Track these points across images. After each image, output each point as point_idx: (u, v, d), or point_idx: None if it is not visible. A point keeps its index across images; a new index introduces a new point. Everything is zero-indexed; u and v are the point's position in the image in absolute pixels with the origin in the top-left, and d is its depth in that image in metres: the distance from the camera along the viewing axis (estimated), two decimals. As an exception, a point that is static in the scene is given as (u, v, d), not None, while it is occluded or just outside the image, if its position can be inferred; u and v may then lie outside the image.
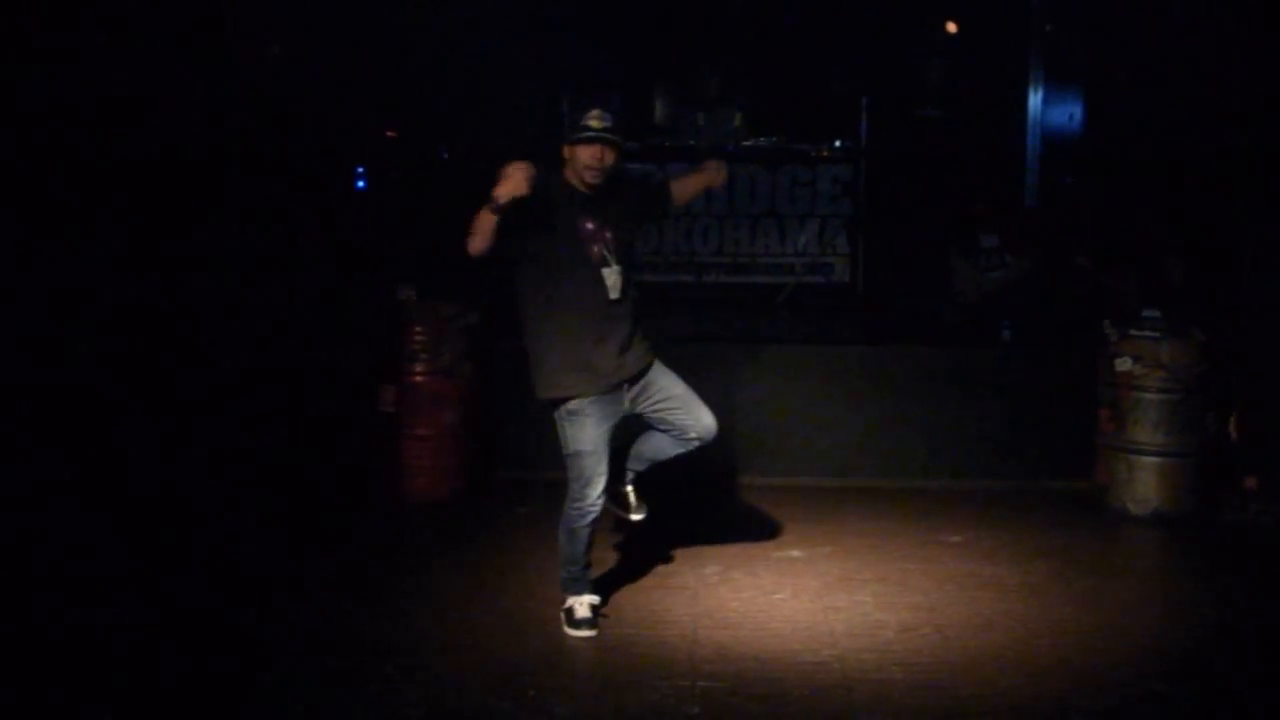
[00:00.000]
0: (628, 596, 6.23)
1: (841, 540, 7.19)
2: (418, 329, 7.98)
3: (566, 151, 5.53)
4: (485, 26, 10.46)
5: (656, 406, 5.70)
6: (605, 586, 6.27)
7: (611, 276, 5.54)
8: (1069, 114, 12.07)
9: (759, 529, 7.25)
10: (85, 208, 7.51)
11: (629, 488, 5.99)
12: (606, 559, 6.78)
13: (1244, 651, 5.72)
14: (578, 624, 5.69)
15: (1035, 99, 11.96)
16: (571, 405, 5.58)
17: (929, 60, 11.71)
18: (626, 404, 5.68)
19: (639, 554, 6.90)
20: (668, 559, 6.81)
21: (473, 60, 10.37)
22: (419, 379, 7.98)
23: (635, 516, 6.02)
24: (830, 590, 6.36)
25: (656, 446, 5.87)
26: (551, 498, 7.98)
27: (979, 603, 6.22)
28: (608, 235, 5.54)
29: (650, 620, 5.91)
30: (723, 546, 7.03)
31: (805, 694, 5.12)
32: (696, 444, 5.76)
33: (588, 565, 5.83)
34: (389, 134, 11.20)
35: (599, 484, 5.60)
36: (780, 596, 6.23)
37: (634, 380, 5.65)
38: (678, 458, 5.86)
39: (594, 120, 5.43)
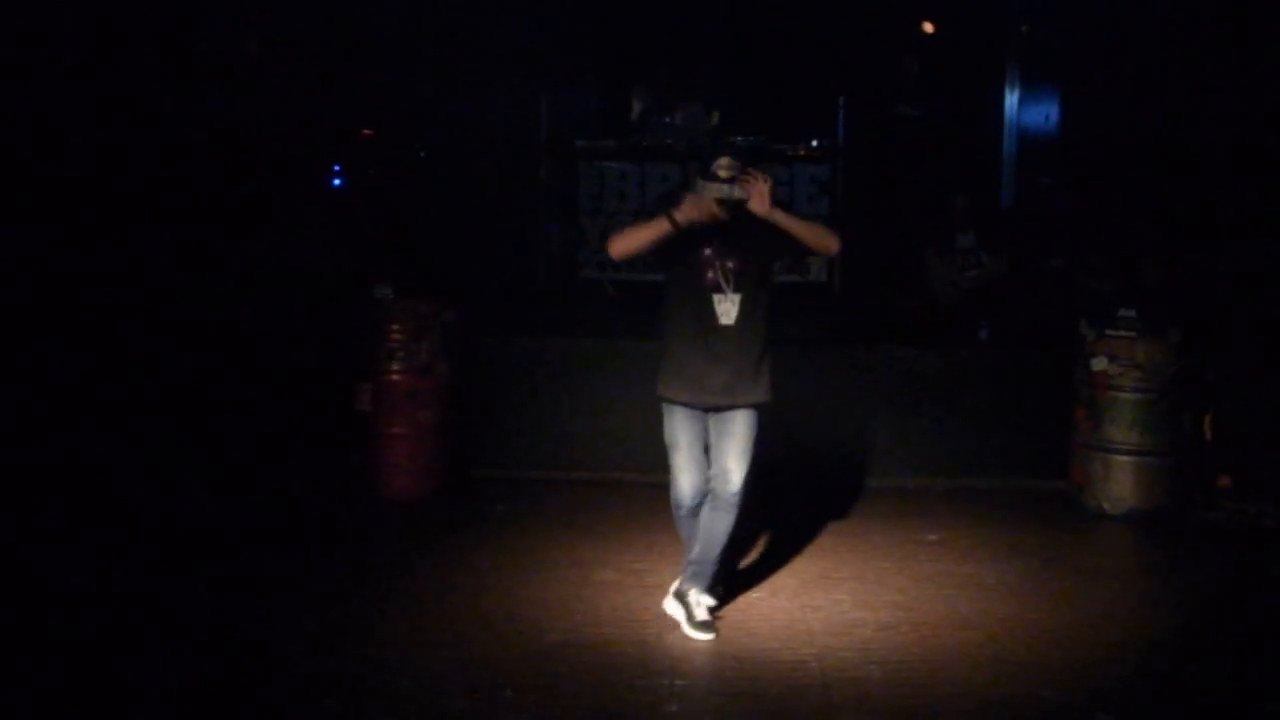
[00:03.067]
0: (604, 595, 6.23)
1: (819, 539, 7.20)
2: (395, 327, 7.95)
3: (700, 184, 5.51)
4: (462, 26, 10.44)
5: (713, 435, 5.72)
6: (587, 586, 6.28)
7: (724, 304, 5.58)
8: (1045, 114, 12.12)
9: (735, 527, 7.24)
10: (61, 207, 7.48)
11: (691, 593, 5.80)
12: (587, 560, 6.78)
13: (1217, 649, 5.75)
14: (696, 626, 5.68)
15: (1011, 99, 12.01)
16: (667, 405, 5.73)
17: (906, 60, 11.74)
18: (710, 421, 5.71)
19: (616, 553, 6.90)
20: (644, 558, 6.80)
21: (449, 59, 10.35)
22: (396, 377, 7.95)
23: (691, 633, 5.72)
24: (808, 589, 6.37)
25: (699, 525, 5.79)
26: (529, 496, 8.06)
27: (956, 601, 6.24)
28: (728, 264, 5.56)
29: (627, 619, 5.90)
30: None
31: (783, 692, 5.13)
32: (719, 499, 5.66)
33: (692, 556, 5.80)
34: (366, 132, 11.18)
35: (685, 481, 5.66)
36: (758, 595, 6.23)
37: (725, 408, 5.66)
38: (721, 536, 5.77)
39: (722, 171, 5.44)
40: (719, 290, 5.58)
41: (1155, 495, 7.82)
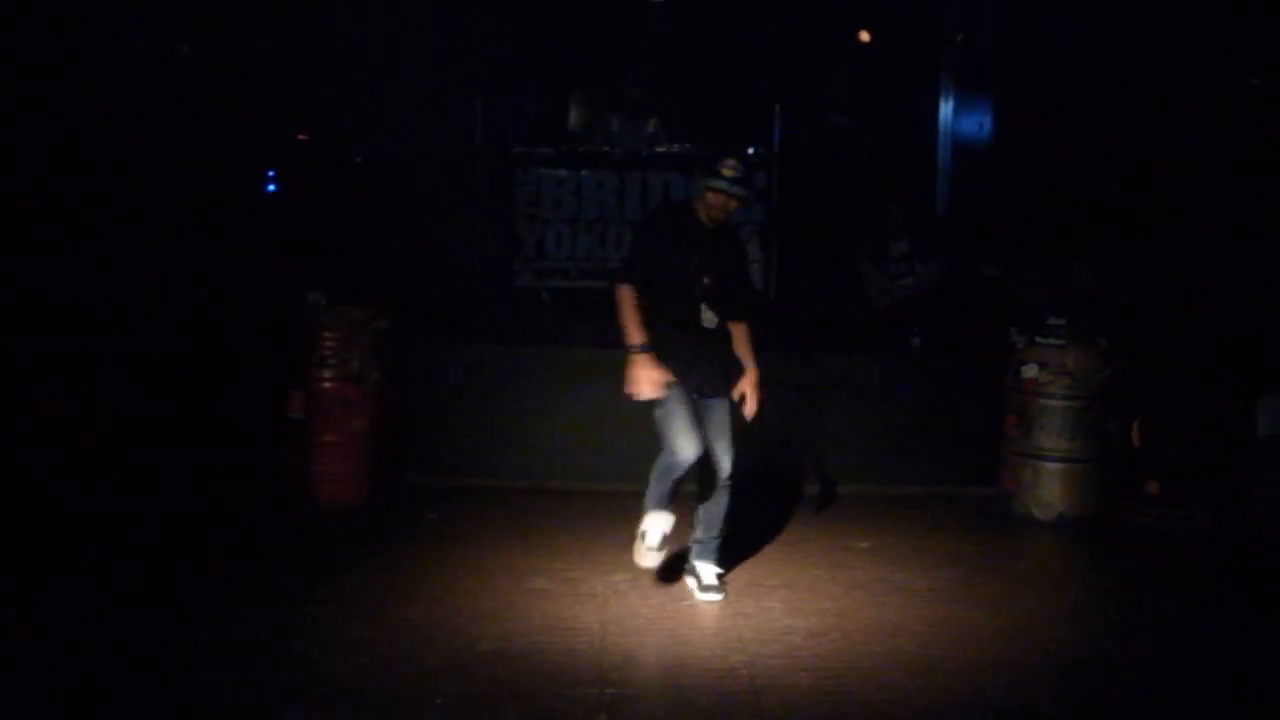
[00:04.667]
0: (536, 604, 6.20)
1: (750, 546, 7.21)
2: (327, 334, 7.88)
3: (702, 186, 6.13)
4: (399, 28, 10.39)
5: (704, 418, 6.10)
6: (519, 594, 6.27)
7: (707, 313, 6.12)
8: (979, 123, 12.23)
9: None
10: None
11: (699, 564, 6.43)
12: (520, 568, 6.76)
13: (1145, 652, 5.82)
14: (647, 548, 6.08)
15: (946, 108, 12.10)
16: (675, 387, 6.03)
17: (841, 69, 11.80)
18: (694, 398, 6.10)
19: (548, 561, 6.88)
20: (577, 566, 6.79)
21: (386, 62, 10.29)
22: (328, 384, 7.88)
23: (702, 595, 6.34)
24: (739, 596, 6.38)
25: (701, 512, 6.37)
26: (462, 504, 8.02)
27: (887, 608, 6.27)
28: (705, 280, 6.08)
29: (559, 628, 5.88)
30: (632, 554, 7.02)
31: (713, 700, 5.13)
32: (719, 484, 6.21)
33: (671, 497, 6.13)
34: (300, 136, 11.09)
35: (690, 440, 5.94)
36: (689, 603, 6.24)
37: (713, 396, 6.15)
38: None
39: (728, 170, 6.01)
40: (702, 300, 6.09)
41: (1084, 501, 7.91)
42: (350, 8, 10.21)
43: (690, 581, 6.40)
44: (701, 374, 6.08)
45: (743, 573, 6.76)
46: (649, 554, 6.08)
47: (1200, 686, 5.45)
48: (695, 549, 6.42)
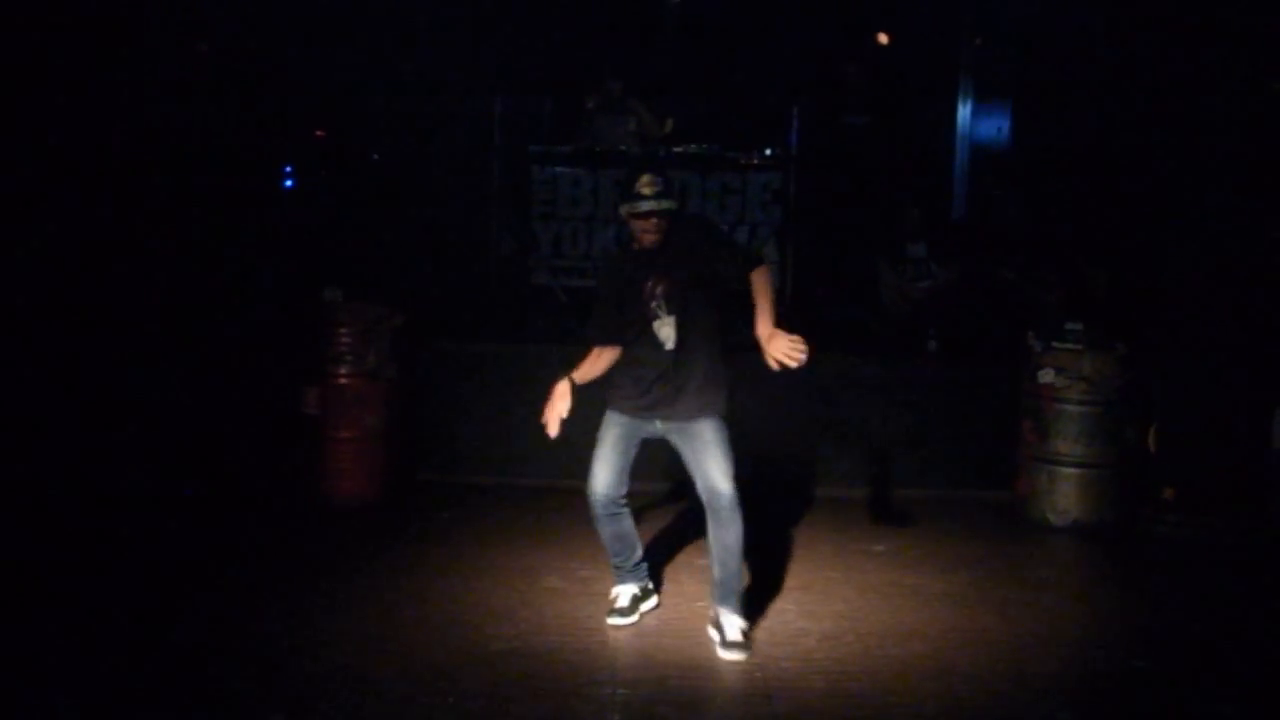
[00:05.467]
0: (549, 602, 6.21)
1: (765, 548, 7.19)
2: (343, 330, 7.89)
3: (624, 213, 5.66)
4: (416, 27, 10.40)
5: (686, 453, 5.74)
6: (532, 593, 6.27)
7: (664, 329, 5.65)
8: (997, 127, 12.21)
9: (681, 536, 7.23)
10: (7, 208, 7.40)
11: (721, 614, 5.78)
12: (533, 566, 6.76)
13: (1161, 660, 5.78)
14: (611, 612, 5.95)
15: (964, 111, 12.08)
16: (610, 410, 5.85)
17: (859, 71, 11.78)
18: (659, 426, 5.77)
19: (562, 560, 6.88)
20: (591, 567, 6.78)
21: (404, 61, 10.31)
22: (343, 381, 7.90)
23: (724, 654, 5.67)
24: (753, 598, 6.35)
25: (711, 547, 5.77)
26: (476, 502, 8.03)
27: (901, 612, 6.25)
28: (659, 290, 5.64)
29: (572, 627, 5.89)
30: (646, 554, 7.01)
31: (726, 702, 5.13)
32: (717, 513, 5.63)
33: (624, 556, 6.00)
34: (318, 134, 11.11)
35: (599, 473, 5.81)
36: (702, 604, 6.20)
37: (684, 419, 5.71)
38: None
39: (645, 188, 5.55)
40: (657, 318, 5.66)
41: (1100, 507, 7.88)
42: (368, 6, 10.22)
43: (713, 633, 5.75)
44: (660, 396, 5.67)
45: (757, 575, 6.72)
46: (615, 617, 5.92)
47: (1216, 694, 5.42)
48: (716, 593, 5.76)
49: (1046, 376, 7.92)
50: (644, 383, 5.69)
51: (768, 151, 10.60)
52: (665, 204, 5.54)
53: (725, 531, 5.62)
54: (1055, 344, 7.94)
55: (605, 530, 5.90)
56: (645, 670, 5.42)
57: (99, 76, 8.19)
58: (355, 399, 7.90)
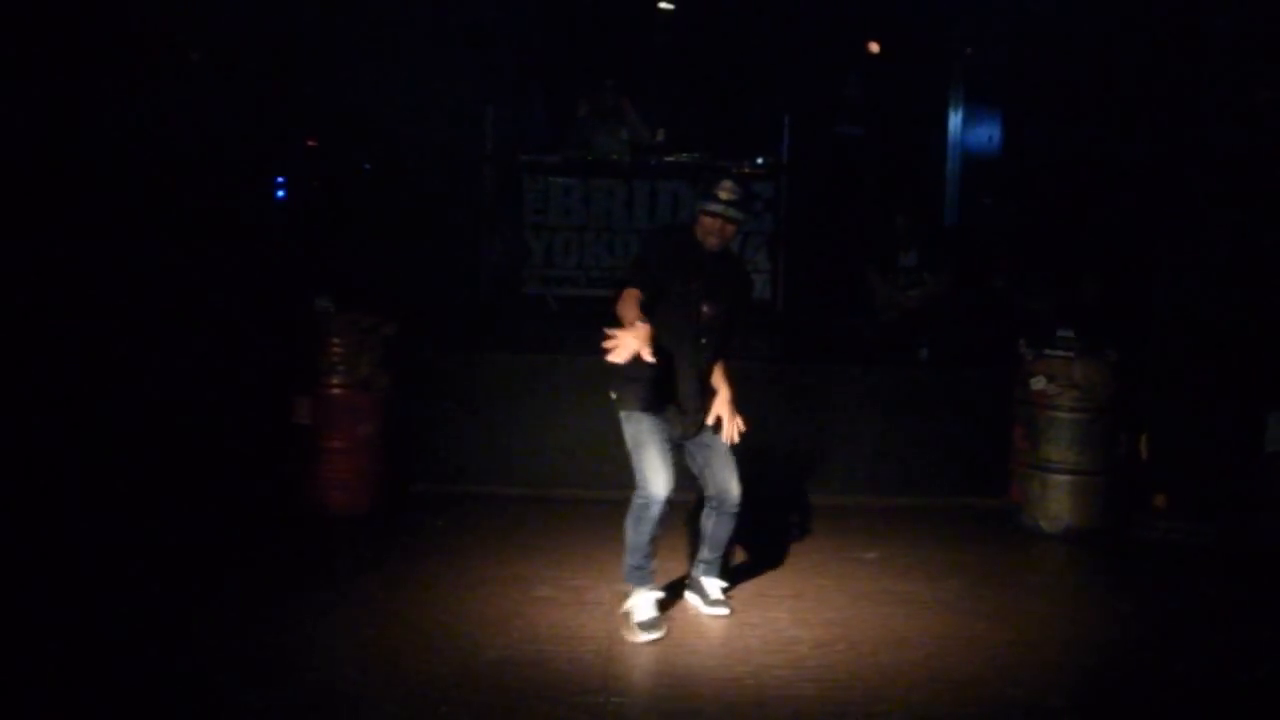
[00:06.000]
0: (542, 612, 6.20)
1: (757, 556, 7.20)
2: (335, 340, 7.89)
3: (698, 210, 5.95)
4: (408, 36, 10.40)
5: (699, 458, 6.09)
6: (525, 603, 6.27)
7: (703, 343, 5.96)
8: (988, 135, 12.24)
9: (673, 545, 7.23)
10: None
11: (704, 580, 6.34)
12: (526, 576, 6.75)
13: (1153, 665, 5.80)
14: (640, 627, 5.87)
15: (955, 120, 12.11)
16: (635, 414, 5.92)
17: (851, 80, 11.81)
18: (676, 432, 5.97)
19: (555, 569, 6.87)
20: (583, 574, 6.78)
21: (394, 70, 10.31)
22: (335, 391, 7.90)
23: (709, 610, 6.28)
24: (745, 606, 6.36)
25: (703, 530, 6.26)
26: (468, 511, 8.02)
27: (893, 619, 6.25)
28: (704, 309, 5.93)
29: (565, 636, 5.88)
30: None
31: (719, 710, 5.12)
32: (723, 511, 6.08)
33: (651, 558, 6.02)
34: (309, 143, 11.11)
35: (663, 477, 5.79)
36: (694, 613, 6.22)
37: (693, 427, 6.01)
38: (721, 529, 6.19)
39: (723, 193, 5.83)
40: (699, 329, 5.94)
41: (1092, 514, 7.90)
42: (359, 16, 10.22)
43: (693, 599, 6.31)
44: (686, 403, 5.94)
45: (749, 583, 6.75)
46: (640, 632, 5.85)
47: (1208, 700, 5.44)
48: (701, 567, 6.32)
49: (1038, 384, 7.93)
50: (676, 390, 5.91)
51: (759, 160, 10.62)
52: (733, 212, 5.84)
53: (726, 527, 6.12)
54: (1047, 351, 7.96)
55: (655, 532, 5.91)
56: (638, 679, 5.42)
57: (89, 86, 8.18)
58: (347, 409, 7.89)
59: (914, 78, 11.87)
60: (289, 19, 9.71)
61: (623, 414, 5.95)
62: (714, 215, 5.84)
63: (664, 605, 6.09)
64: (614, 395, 5.97)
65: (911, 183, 11.57)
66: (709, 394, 6.02)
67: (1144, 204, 9.02)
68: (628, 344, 5.24)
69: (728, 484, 6.02)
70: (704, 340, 5.96)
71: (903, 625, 6.16)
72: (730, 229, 5.92)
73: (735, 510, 6.06)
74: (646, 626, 5.85)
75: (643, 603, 5.94)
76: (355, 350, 7.91)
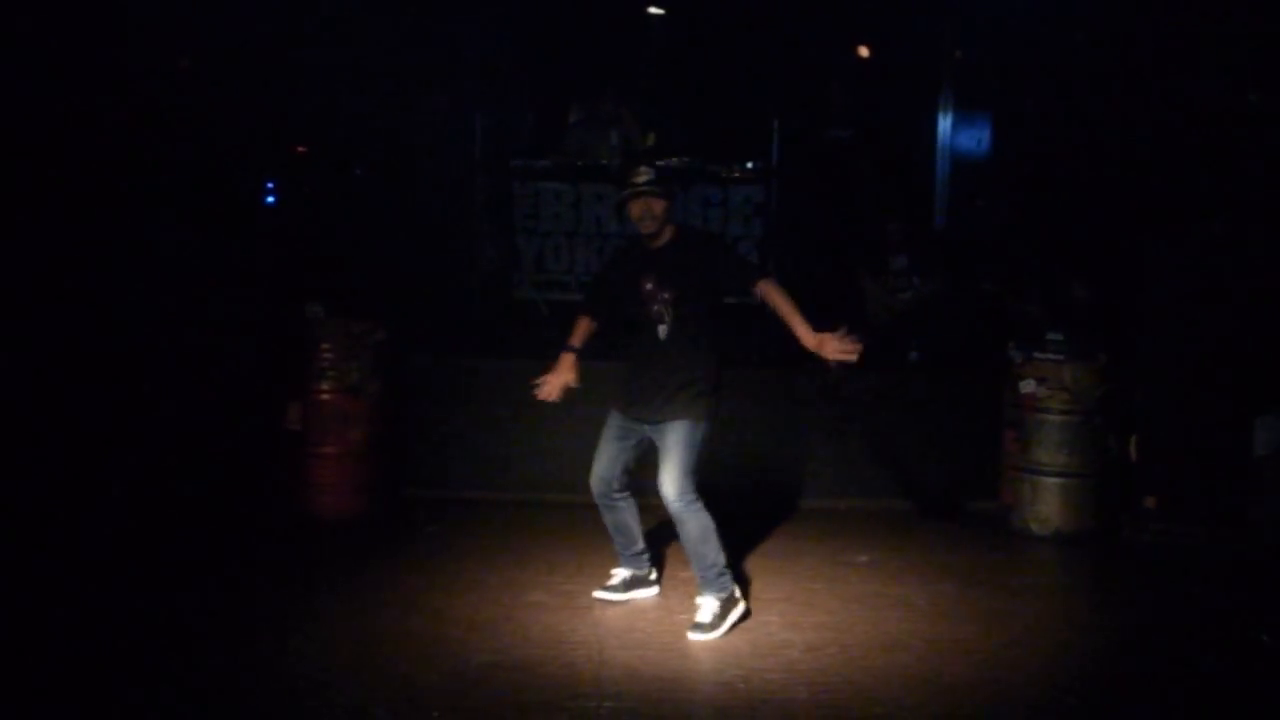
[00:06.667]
0: (533, 617, 6.20)
1: (748, 560, 7.21)
2: (326, 346, 7.90)
3: (618, 203, 6.24)
4: (398, 43, 10.40)
5: (658, 447, 6.16)
6: (516, 608, 6.27)
7: (665, 331, 6.07)
8: (978, 138, 12.23)
9: (666, 549, 7.24)
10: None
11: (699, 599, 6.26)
12: (517, 581, 6.75)
13: (1143, 667, 5.82)
14: (602, 587, 6.46)
15: (945, 123, 12.10)
16: (611, 410, 6.28)
17: (840, 83, 11.81)
18: (645, 429, 6.18)
19: (546, 574, 6.88)
20: (574, 579, 6.78)
21: (384, 76, 10.30)
22: (326, 396, 7.90)
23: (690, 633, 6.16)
24: (737, 610, 6.38)
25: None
26: (459, 517, 8.02)
27: (885, 622, 6.26)
28: (664, 295, 6.04)
29: (556, 641, 5.88)
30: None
31: (710, 714, 5.13)
32: (669, 511, 6.08)
33: (622, 544, 6.47)
34: (299, 149, 11.10)
35: (595, 466, 6.26)
36: (686, 617, 6.21)
37: (656, 422, 6.10)
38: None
39: (637, 176, 6.04)
40: (661, 321, 6.07)
41: (1082, 516, 7.91)
42: (350, 22, 10.21)
43: (704, 617, 6.18)
44: (641, 393, 6.12)
45: (740, 587, 6.73)
46: (604, 591, 6.45)
47: (1199, 701, 5.45)
48: (698, 584, 6.27)
49: (1028, 387, 7.95)
50: (634, 379, 6.14)
51: (749, 165, 10.63)
52: (650, 186, 5.97)
53: (681, 529, 6.07)
54: (1037, 354, 7.97)
55: (605, 519, 6.39)
56: (630, 683, 5.41)
57: (77, 92, 8.18)
58: (338, 414, 7.90)
59: (903, 81, 11.88)
60: (278, 24, 9.70)
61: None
62: (635, 196, 6.01)
63: (664, 609, 6.15)
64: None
65: (901, 186, 11.57)
66: (670, 384, 6.04)
67: (1134, 207, 9.05)
68: (550, 385, 6.22)
69: (662, 483, 5.97)
70: (666, 332, 6.06)
71: (894, 628, 6.17)
72: (658, 205, 6.01)
73: (679, 510, 5.97)
74: (605, 588, 6.47)
75: (617, 573, 6.51)
76: (346, 356, 7.91)
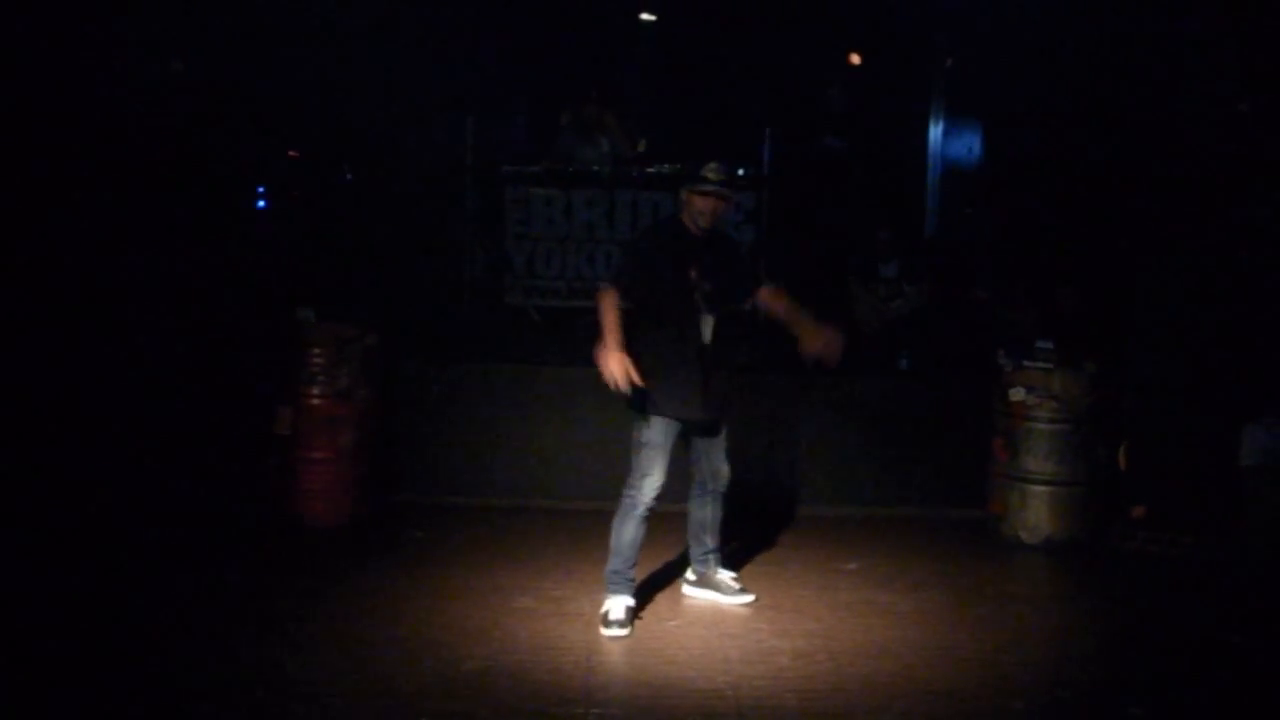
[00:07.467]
0: (522, 623, 6.19)
1: (737, 567, 7.20)
2: (316, 351, 7.87)
3: (685, 196, 6.20)
4: (390, 47, 10.41)
5: (699, 444, 6.37)
6: (505, 614, 6.28)
7: (707, 324, 6.14)
8: (968, 146, 12.28)
9: (654, 556, 7.23)
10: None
11: (719, 573, 6.67)
12: (506, 586, 6.75)
13: (1130, 675, 5.82)
14: (609, 624, 6.07)
15: (935, 131, 12.15)
16: (656, 417, 6.14)
17: (832, 91, 11.84)
18: (683, 422, 6.22)
19: (535, 580, 6.87)
20: (563, 585, 6.78)
21: (376, 82, 10.31)
22: (316, 401, 7.88)
23: (737, 600, 6.59)
24: (725, 617, 6.37)
25: (703, 520, 6.56)
26: (448, 522, 8.01)
27: (873, 630, 6.27)
28: (707, 286, 6.11)
29: (545, 647, 5.88)
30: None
31: (699, 721, 5.13)
32: (712, 492, 6.47)
33: (630, 564, 6.25)
34: (291, 154, 11.10)
35: (656, 481, 6.11)
36: (675, 624, 6.23)
37: (699, 414, 6.20)
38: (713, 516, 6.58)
39: (711, 174, 6.09)
40: (702, 312, 6.13)
41: (1071, 525, 7.92)
42: (342, 27, 10.22)
43: (709, 595, 6.60)
44: (705, 402, 6.14)
45: (729, 593, 6.76)
46: (615, 629, 6.06)
47: (1186, 709, 5.46)
48: (714, 558, 6.61)
49: (1017, 395, 7.96)
50: (680, 374, 6.06)
51: (740, 172, 10.63)
52: (724, 190, 6.13)
53: (719, 509, 6.49)
54: (1026, 362, 7.98)
55: (637, 533, 6.20)
56: (618, 690, 5.42)
57: (70, 95, 8.17)
58: (327, 419, 7.88)
59: (894, 89, 11.92)
60: (271, 28, 9.70)
61: (636, 414, 6.14)
62: (705, 194, 6.07)
63: (652, 615, 6.16)
64: (630, 395, 6.03)
65: (892, 194, 11.60)
66: (718, 383, 6.18)
67: (1123, 216, 9.07)
68: (611, 370, 5.82)
69: (720, 464, 6.38)
70: (706, 325, 6.13)
71: (883, 635, 6.17)
72: (722, 206, 6.16)
73: (722, 491, 6.43)
74: (613, 624, 6.05)
75: (617, 604, 6.14)
76: (336, 360, 7.89)
